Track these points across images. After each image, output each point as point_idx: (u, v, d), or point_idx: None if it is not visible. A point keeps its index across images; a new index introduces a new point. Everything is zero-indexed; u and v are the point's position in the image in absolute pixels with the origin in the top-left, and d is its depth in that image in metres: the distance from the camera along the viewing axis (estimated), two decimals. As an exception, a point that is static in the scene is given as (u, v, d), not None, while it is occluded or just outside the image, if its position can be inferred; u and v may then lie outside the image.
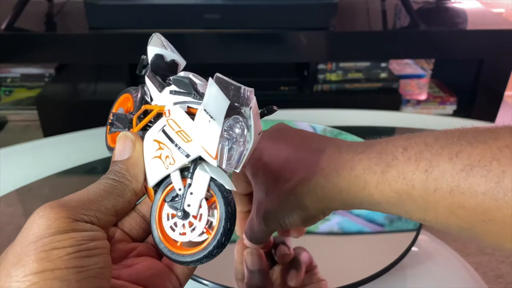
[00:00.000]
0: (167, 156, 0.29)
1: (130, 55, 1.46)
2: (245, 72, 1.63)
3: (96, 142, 0.85)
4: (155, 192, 0.30)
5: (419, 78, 1.75)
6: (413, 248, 0.54)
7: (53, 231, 0.24)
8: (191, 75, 0.30)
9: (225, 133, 0.26)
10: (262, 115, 0.30)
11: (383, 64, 1.61)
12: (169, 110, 0.29)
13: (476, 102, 1.59)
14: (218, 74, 0.27)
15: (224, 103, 0.26)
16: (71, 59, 1.55)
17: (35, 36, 1.43)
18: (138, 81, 1.52)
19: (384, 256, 0.52)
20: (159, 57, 0.34)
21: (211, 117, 0.26)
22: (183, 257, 0.28)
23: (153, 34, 0.35)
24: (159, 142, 0.29)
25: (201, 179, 0.28)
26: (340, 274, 0.51)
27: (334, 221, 0.59)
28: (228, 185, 0.27)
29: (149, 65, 0.33)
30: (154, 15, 1.40)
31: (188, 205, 0.28)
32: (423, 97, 1.70)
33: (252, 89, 0.27)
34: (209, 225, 0.28)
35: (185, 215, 0.28)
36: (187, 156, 0.28)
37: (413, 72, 1.76)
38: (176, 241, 0.29)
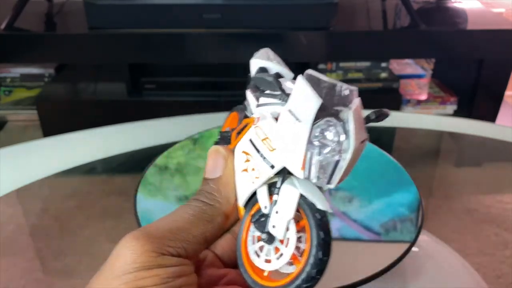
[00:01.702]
0: (253, 169, 0.25)
1: (130, 55, 1.46)
2: (245, 72, 1.63)
3: (96, 142, 0.84)
4: (246, 211, 0.27)
5: (419, 78, 1.75)
6: (414, 249, 0.54)
7: (138, 266, 0.23)
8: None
9: (315, 139, 0.22)
10: (368, 120, 0.24)
11: (383, 64, 1.61)
12: (258, 118, 0.26)
13: (477, 102, 1.59)
14: (309, 71, 0.23)
15: (314, 102, 0.22)
16: (70, 59, 1.54)
17: (35, 36, 1.43)
18: (139, 81, 1.52)
19: (384, 258, 0.52)
20: (262, 70, 0.30)
21: (297, 119, 0.22)
22: None
23: (261, 49, 0.32)
24: (246, 153, 0.26)
25: (288, 195, 0.23)
26: (341, 274, 0.51)
27: (334, 227, 0.58)
28: (322, 204, 0.23)
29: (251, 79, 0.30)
30: (153, 14, 1.39)
31: (273, 227, 0.24)
32: (423, 97, 1.70)
33: (355, 88, 0.23)
34: (300, 253, 0.24)
35: (271, 238, 0.24)
36: (272, 167, 0.24)
37: (413, 72, 1.76)
38: (263, 270, 0.25)
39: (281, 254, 0.24)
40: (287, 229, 0.23)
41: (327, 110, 0.22)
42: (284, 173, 0.24)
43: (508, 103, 1.81)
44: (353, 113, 0.22)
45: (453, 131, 0.97)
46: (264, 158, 0.24)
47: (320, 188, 0.24)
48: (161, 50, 1.43)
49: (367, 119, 0.24)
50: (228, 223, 0.27)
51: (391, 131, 0.95)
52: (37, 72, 1.66)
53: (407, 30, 1.52)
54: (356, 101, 0.22)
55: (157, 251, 0.23)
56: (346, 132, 0.21)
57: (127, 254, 0.23)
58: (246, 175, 0.26)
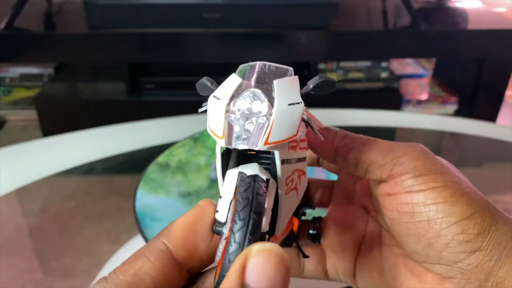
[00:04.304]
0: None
1: (129, 55, 1.46)
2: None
3: (95, 143, 0.84)
4: None
5: (420, 77, 1.75)
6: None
7: None
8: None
9: (238, 111, 0.23)
10: (307, 89, 0.25)
11: (383, 64, 1.60)
12: None
13: (477, 102, 1.59)
14: (240, 65, 0.25)
15: (234, 82, 0.23)
16: (70, 59, 1.54)
17: (34, 35, 1.42)
18: (138, 81, 1.52)
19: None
20: None
21: (218, 99, 0.23)
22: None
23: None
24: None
25: (229, 178, 0.23)
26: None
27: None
28: (251, 171, 0.23)
29: None
30: (153, 14, 1.39)
31: (217, 211, 0.23)
32: (424, 96, 1.70)
33: (289, 68, 0.24)
34: None
35: (219, 226, 0.23)
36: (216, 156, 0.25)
37: (414, 72, 1.75)
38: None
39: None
40: (229, 210, 0.22)
41: (250, 86, 0.23)
42: (232, 162, 0.24)
43: (509, 103, 1.81)
44: (277, 82, 0.23)
45: (454, 131, 0.97)
46: (216, 154, 0.25)
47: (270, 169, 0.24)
48: (161, 50, 1.43)
49: (306, 88, 0.25)
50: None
51: (391, 131, 0.95)
52: (37, 72, 1.66)
53: (408, 29, 1.51)
54: (287, 72, 0.24)
55: None
56: (270, 98, 0.23)
57: None
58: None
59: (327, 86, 0.25)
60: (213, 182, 0.69)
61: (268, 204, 0.22)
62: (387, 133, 0.94)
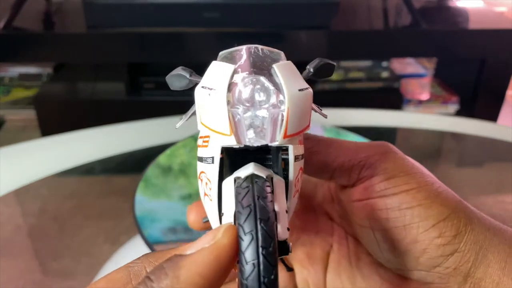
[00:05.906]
0: (206, 183, 0.21)
1: (128, 54, 1.45)
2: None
3: (94, 142, 0.84)
4: None
5: (421, 77, 1.75)
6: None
7: None
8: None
9: (240, 102, 0.20)
10: (307, 74, 0.22)
11: (384, 64, 1.60)
12: None
13: (478, 102, 1.59)
14: (221, 52, 0.22)
15: (227, 69, 0.20)
16: (69, 58, 1.54)
17: (33, 35, 1.42)
18: (137, 81, 1.51)
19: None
20: None
21: (211, 89, 0.20)
22: None
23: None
24: (200, 173, 0.22)
25: (226, 188, 0.20)
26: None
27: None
28: (246, 172, 0.19)
29: None
30: (153, 13, 1.39)
31: None
32: (424, 96, 1.69)
33: (282, 52, 0.22)
34: None
35: None
36: (212, 160, 0.20)
37: (415, 72, 1.75)
38: None
39: None
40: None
41: (247, 72, 0.20)
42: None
43: (510, 103, 1.81)
44: (278, 66, 0.20)
45: (455, 131, 0.97)
46: (206, 159, 0.21)
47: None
48: (160, 49, 1.43)
49: (307, 73, 0.23)
50: None
51: (392, 131, 0.95)
52: (36, 72, 1.66)
53: (409, 29, 1.51)
54: (281, 55, 0.21)
55: None
56: (275, 85, 0.20)
57: None
58: (207, 199, 0.21)
59: (326, 70, 0.23)
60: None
61: (281, 205, 0.19)
62: (388, 133, 0.94)
